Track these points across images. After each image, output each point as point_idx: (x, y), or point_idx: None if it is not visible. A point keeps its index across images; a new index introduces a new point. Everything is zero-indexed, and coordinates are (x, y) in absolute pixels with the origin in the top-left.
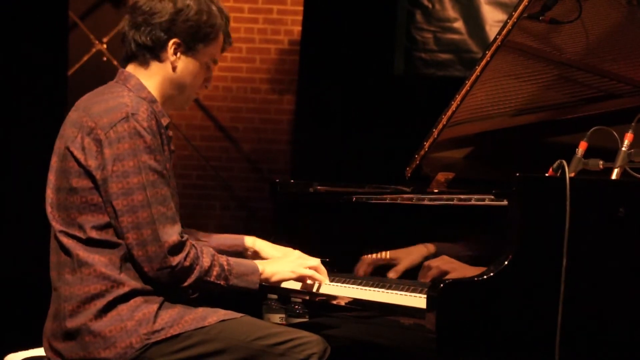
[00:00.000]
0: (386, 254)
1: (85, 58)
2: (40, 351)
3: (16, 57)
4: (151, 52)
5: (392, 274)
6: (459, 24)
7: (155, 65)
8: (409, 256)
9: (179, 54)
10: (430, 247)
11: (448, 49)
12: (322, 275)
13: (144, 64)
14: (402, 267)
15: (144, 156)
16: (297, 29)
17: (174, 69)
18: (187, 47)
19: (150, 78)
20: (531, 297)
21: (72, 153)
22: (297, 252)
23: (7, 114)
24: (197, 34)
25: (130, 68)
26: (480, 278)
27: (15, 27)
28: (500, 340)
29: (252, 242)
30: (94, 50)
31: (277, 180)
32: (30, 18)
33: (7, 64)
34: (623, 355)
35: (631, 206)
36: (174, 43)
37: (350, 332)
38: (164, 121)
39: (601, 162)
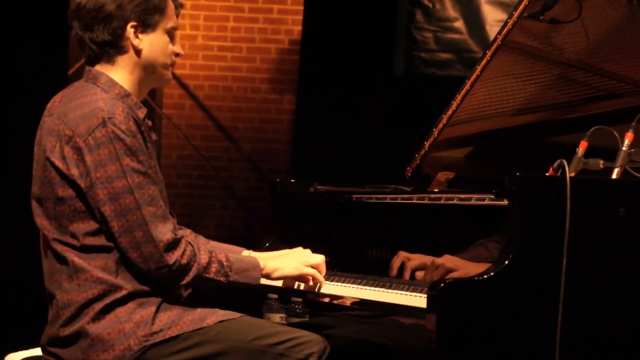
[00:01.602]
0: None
1: None
2: (40, 351)
3: (16, 57)
4: (113, 47)
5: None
6: (459, 24)
7: (120, 58)
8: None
9: (139, 36)
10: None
11: (448, 48)
12: (324, 274)
13: (109, 61)
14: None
15: (126, 159)
16: (298, 28)
17: (138, 53)
18: (145, 25)
19: (120, 71)
20: (531, 297)
21: (52, 163)
22: (300, 249)
23: (7, 114)
24: (148, 8)
25: (98, 67)
26: (480, 278)
27: (15, 27)
28: (500, 340)
29: (247, 255)
30: None
31: (277, 180)
32: (30, 18)
33: (7, 64)
34: (623, 355)
35: (631, 206)
36: (131, 27)
37: (351, 332)
38: (141, 113)
39: (601, 162)
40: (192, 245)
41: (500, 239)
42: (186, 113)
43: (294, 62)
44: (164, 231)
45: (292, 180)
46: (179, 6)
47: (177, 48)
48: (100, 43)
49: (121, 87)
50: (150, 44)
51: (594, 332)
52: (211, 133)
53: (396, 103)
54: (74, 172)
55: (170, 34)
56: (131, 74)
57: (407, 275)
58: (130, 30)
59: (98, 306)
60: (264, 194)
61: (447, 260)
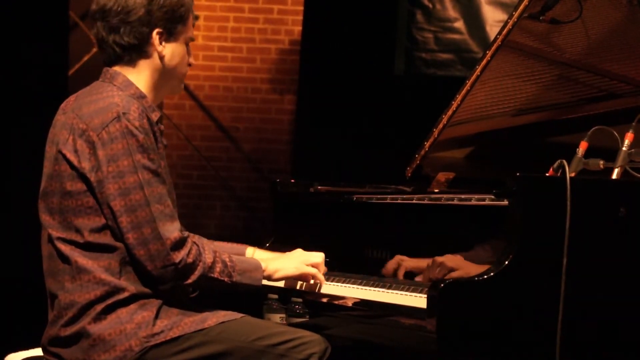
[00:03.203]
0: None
1: (86, 58)
2: (40, 351)
3: (16, 57)
4: (137, 51)
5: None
6: (459, 24)
7: (142, 62)
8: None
9: (163, 43)
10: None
11: (448, 48)
12: (323, 272)
13: (130, 63)
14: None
15: (138, 155)
16: (298, 28)
17: (161, 59)
18: (169, 33)
19: (139, 74)
20: (532, 297)
21: (64, 156)
22: (299, 250)
23: (7, 114)
24: (174, 17)
25: (116, 68)
26: (480, 278)
27: (15, 27)
28: (500, 340)
29: (251, 252)
30: (94, 50)
31: (278, 180)
32: (30, 18)
33: (7, 63)
34: (623, 355)
35: (632, 206)
36: (157, 33)
37: (351, 332)
38: (155, 116)
39: (602, 162)
40: (197, 245)
41: (500, 240)
42: (186, 113)
43: (294, 62)
44: (171, 229)
45: (292, 180)
46: (195, 18)
47: (190, 59)
48: (125, 46)
49: (137, 87)
50: (172, 52)
51: (595, 332)
52: (211, 133)
53: (396, 103)
54: (85, 165)
55: (187, 44)
56: (150, 78)
57: (400, 274)
58: (155, 37)
59: (100, 307)
60: (264, 194)
61: (448, 259)
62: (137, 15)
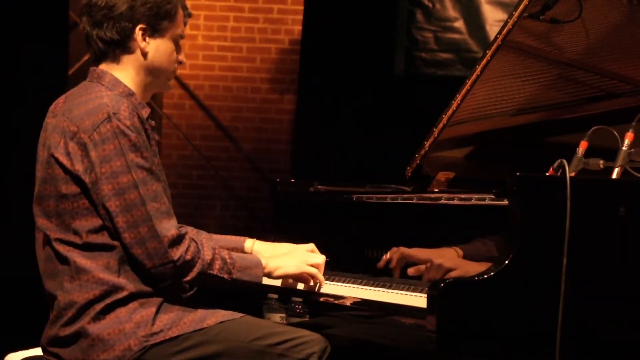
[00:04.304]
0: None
1: (86, 58)
2: (40, 351)
3: (16, 57)
4: (120, 46)
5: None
6: (459, 24)
7: (126, 58)
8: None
9: (147, 39)
10: (459, 252)
11: (448, 48)
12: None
13: (115, 60)
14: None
15: (131, 154)
16: (298, 28)
17: (145, 55)
18: (153, 30)
19: (124, 71)
20: (532, 296)
21: (57, 159)
22: (303, 248)
23: (7, 113)
24: (159, 13)
25: (103, 66)
26: (480, 278)
27: (15, 27)
28: (500, 340)
29: (250, 244)
30: None
31: (278, 180)
32: (30, 18)
33: (7, 63)
34: (623, 355)
35: (632, 206)
36: (140, 29)
37: (351, 332)
38: (145, 112)
39: (602, 162)
40: (195, 242)
41: (499, 238)
42: (186, 113)
43: (294, 62)
44: (168, 227)
45: (292, 180)
46: (187, 15)
47: (181, 56)
48: (107, 41)
49: (125, 86)
50: (157, 48)
51: (594, 332)
52: (211, 133)
53: (396, 103)
54: (79, 167)
55: (176, 41)
56: (136, 75)
57: (395, 258)
58: (138, 33)
59: (99, 306)
60: (264, 194)
61: (446, 259)
62: (119, 10)
